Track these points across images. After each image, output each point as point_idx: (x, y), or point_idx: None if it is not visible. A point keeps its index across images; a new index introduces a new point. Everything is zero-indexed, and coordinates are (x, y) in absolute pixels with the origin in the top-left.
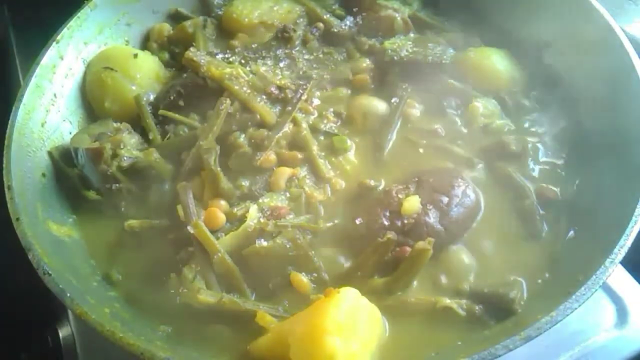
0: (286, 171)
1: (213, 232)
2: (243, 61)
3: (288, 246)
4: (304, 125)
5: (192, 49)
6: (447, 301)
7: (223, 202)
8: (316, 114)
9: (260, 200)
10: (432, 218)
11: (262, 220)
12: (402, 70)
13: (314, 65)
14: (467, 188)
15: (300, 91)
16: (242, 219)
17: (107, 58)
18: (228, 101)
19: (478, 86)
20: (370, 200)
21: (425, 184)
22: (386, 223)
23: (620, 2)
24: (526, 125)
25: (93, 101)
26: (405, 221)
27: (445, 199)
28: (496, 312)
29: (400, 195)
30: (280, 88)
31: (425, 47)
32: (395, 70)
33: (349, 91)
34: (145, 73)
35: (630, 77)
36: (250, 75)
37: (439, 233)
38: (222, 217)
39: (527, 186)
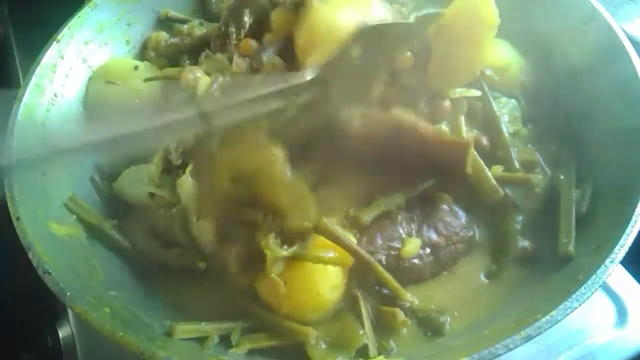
0: None
1: None
2: None
3: None
4: None
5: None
6: None
7: None
8: None
9: None
10: (426, 264)
11: None
12: None
13: None
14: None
15: None
16: None
17: (108, 73)
18: None
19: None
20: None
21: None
22: (383, 261)
23: (620, 1)
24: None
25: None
26: (401, 263)
27: (443, 242)
28: None
29: (403, 231)
30: None
31: None
32: None
33: None
34: (147, 84)
35: (630, 77)
36: None
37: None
38: None
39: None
